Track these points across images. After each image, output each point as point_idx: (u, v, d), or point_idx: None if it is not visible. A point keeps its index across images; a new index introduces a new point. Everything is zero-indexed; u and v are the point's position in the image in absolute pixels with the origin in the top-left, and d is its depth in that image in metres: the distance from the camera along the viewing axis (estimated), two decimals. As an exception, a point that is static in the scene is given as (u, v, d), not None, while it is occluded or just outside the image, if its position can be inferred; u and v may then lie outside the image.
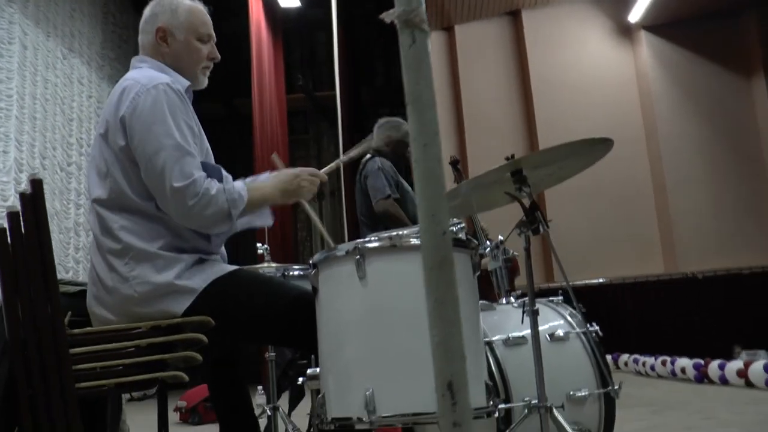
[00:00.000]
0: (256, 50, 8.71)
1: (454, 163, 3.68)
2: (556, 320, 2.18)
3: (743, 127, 8.34)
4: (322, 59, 11.70)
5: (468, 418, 0.66)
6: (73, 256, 7.63)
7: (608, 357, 6.64)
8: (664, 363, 5.89)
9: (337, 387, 1.45)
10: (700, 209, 8.12)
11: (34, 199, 1.42)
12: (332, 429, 1.45)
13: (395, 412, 1.36)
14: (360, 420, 1.37)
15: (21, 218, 1.41)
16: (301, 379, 3.06)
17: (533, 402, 1.79)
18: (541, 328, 1.83)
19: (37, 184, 1.43)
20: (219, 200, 1.55)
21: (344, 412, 1.41)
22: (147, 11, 1.78)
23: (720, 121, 8.35)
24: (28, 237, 1.42)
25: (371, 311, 1.42)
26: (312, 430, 2.89)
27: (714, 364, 5.15)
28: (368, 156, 3.49)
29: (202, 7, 1.80)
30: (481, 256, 2.47)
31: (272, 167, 2.04)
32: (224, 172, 1.67)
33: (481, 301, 1.85)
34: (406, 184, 3.50)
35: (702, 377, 5.27)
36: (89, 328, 1.58)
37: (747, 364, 4.78)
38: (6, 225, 1.42)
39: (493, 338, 2.04)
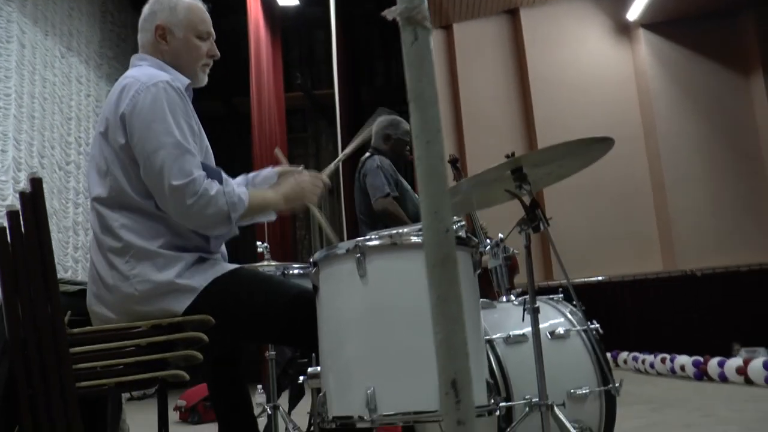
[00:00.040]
0: (255, 48, 8.70)
1: (453, 162, 3.68)
2: (556, 318, 2.18)
3: (741, 125, 8.35)
4: (320, 58, 11.70)
5: (472, 416, 0.66)
6: (71, 255, 7.63)
7: (608, 355, 6.65)
8: (663, 360, 5.90)
9: (338, 385, 1.44)
10: (699, 207, 8.13)
11: (33, 198, 1.42)
12: (333, 428, 1.44)
13: (397, 411, 1.36)
14: (361, 418, 1.37)
15: (21, 217, 1.41)
16: (301, 378, 3.06)
17: (534, 400, 1.79)
18: (541, 325, 1.83)
19: (36, 183, 1.43)
20: (218, 201, 1.54)
21: (345, 410, 1.41)
22: (146, 9, 1.77)
23: (718, 119, 8.36)
24: (28, 236, 1.41)
25: (372, 309, 1.42)
26: (312, 428, 2.89)
27: (713, 362, 5.15)
28: (367, 154, 3.49)
29: (201, 5, 1.79)
30: (481, 254, 2.47)
31: (275, 162, 2.03)
32: (225, 175, 1.66)
33: (481, 300, 1.85)
34: (405, 183, 3.49)
35: (701, 375, 5.28)
36: (89, 327, 1.58)
37: (746, 362, 4.79)
38: (5, 224, 1.42)
39: (494, 336, 2.04)
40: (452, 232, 0.70)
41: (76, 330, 1.52)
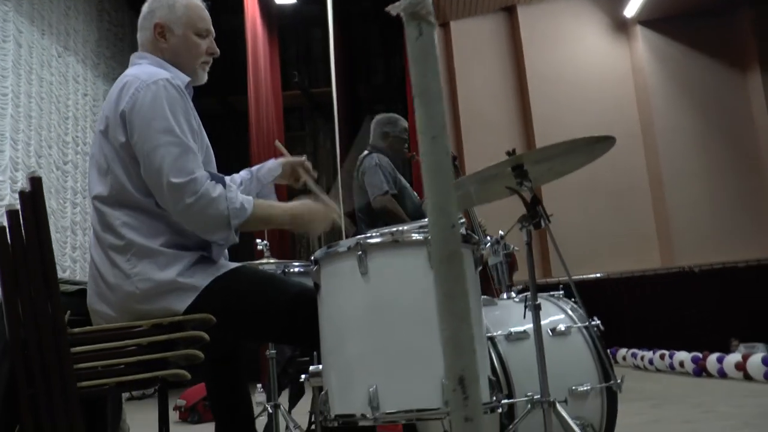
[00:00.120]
0: (252, 47, 8.68)
1: (452, 160, 3.67)
2: (557, 315, 2.18)
3: (739, 121, 8.36)
4: (317, 56, 11.69)
5: (479, 413, 0.66)
6: (70, 255, 7.62)
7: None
8: (662, 357, 5.91)
9: (339, 384, 1.44)
10: (696, 203, 8.15)
11: (33, 197, 1.41)
12: (336, 426, 1.44)
13: (399, 408, 1.35)
14: (364, 417, 1.36)
15: (21, 217, 1.40)
16: (303, 377, 3.05)
17: (536, 397, 1.79)
18: (542, 322, 1.83)
19: (36, 182, 1.42)
20: (219, 205, 1.52)
21: (347, 408, 1.40)
22: (145, 8, 1.77)
23: (716, 115, 8.38)
24: (28, 236, 1.40)
25: (373, 307, 1.41)
26: (312, 427, 2.88)
27: (712, 358, 5.16)
28: (365, 152, 3.48)
29: (200, 3, 1.79)
30: (481, 251, 2.46)
31: (276, 154, 2.02)
32: (228, 181, 1.63)
33: (482, 297, 1.85)
34: (404, 180, 3.48)
35: (700, 371, 5.29)
36: (90, 327, 1.57)
37: (745, 357, 4.80)
38: (5, 224, 1.41)
39: (495, 333, 2.04)
40: (458, 228, 0.69)
41: (76, 330, 1.51)
